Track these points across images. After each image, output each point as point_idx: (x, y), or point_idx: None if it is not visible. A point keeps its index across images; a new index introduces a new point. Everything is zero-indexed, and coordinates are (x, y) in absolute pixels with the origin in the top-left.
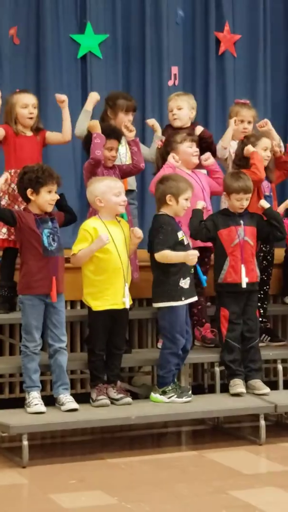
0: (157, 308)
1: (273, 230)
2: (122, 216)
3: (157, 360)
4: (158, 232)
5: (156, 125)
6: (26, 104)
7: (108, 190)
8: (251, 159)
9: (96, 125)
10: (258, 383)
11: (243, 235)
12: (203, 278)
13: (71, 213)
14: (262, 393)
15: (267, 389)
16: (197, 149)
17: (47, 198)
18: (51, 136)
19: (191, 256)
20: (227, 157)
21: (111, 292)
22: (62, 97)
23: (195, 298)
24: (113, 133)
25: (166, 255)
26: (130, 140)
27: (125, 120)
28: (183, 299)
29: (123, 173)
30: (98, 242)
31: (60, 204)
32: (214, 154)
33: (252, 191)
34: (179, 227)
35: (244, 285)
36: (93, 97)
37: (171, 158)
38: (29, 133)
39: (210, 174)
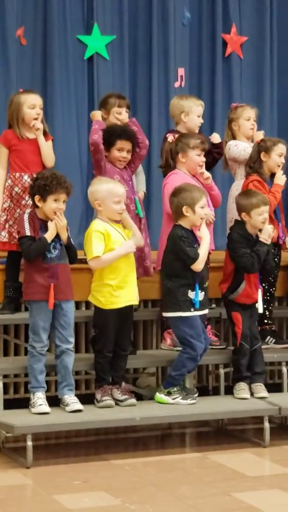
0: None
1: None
2: (138, 214)
3: (165, 361)
4: (180, 241)
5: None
6: (34, 104)
7: (108, 196)
8: (275, 183)
9: (97, 114)
10: (258, 387)
11: None
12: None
13: (74, 254)
14: (260, 397)
15: (265, 393)
16: (204, 159)
17: (52, 206)
18: (48, 147)
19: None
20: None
21: (124, 291)
22: (37, 126)
23: (205, 311)
24: (124, 133)
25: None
26: (127, 121)
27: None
28: (192, 310)
29: (135, 161)
30: (127, 247)
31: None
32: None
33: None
34: (195, 239)
35: (260, 310)
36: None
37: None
38: (32, 136)
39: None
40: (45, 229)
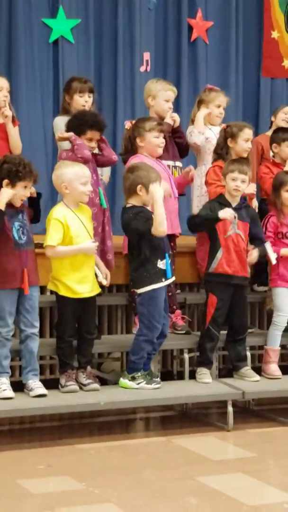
0: (137, 294)
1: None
2: (101, 204)
3: (130, 346)
4: (136, 219)
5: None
6: (1, 87)
7: (75, 178)
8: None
9: (64, 136)
10: (248, 371)
11: (236, 228)
12: (169, 270)
13: (38, 214)
14: (254, 380)
15: (257, 377)
16: (164, 141)
17: (21, 193)
18: (15, 133)
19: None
20: (200, 144)
21: (83, 282)
22: (7, 113)
23: (173, 278)
24: (95, 125)
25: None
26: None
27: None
28: (163, 280)
29: (99, 162)
30: (87, 249)
31: (34, 203)
32: (186, 151)
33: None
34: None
35: (273, 261)
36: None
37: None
38: (0, 120)
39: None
40: (11, 215)
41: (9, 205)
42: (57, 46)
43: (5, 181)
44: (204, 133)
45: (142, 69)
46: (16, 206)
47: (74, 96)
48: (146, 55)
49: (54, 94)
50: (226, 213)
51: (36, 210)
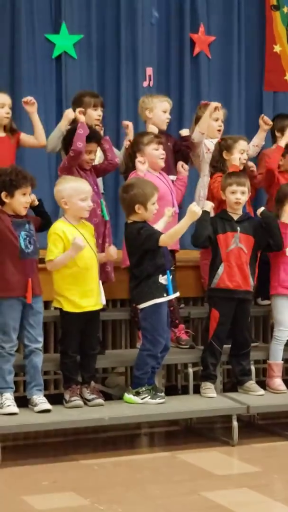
0: (139, 309)
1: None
2: (103, 216)
3: (133, 360)
4: (139, 234)
5: (130, 128)
6: (3, 104)
7: (74, 194)
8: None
9: (76, 114)
10: (253, 385)
11: (238, 241)
12: (170, 287)
13: (47, 219)
14: (259, 394)
15: (261, 391)
16: (164, 152)
17: (21, 200)
18: (26, 138)
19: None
20: (200, 155)
21: (86, 297)
22: (32, 100)
23: (177, 294)
24: (93, 137)
25: (171, 234)
26: (101, 139)
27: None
28: (165, 295)
29: (99, 171)
30: (75, 248)
31: (38, 210)
32: (186, 161)
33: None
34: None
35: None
36: (68, 116)
37: (139, 165)
38: (2, 134)
39: (176, 181)
40: (17, 225)
41: (15, 215)
42: (60, 61)
43: (3, 193)
44: (204, 133)
45: (145, 84)
46: (21, 216)
47: (88, 110)
48: (149, 70)
49: (57, 110)
50: (207, 206)
51: (43, 216)
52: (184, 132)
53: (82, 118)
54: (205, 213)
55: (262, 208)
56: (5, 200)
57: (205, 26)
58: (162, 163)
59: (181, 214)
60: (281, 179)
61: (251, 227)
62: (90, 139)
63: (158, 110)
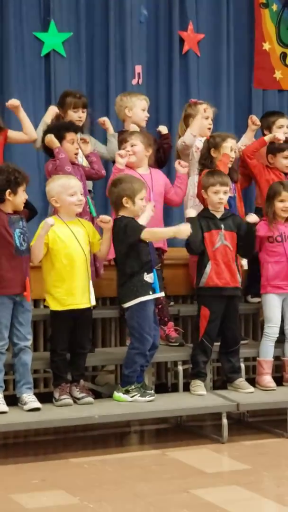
0: (125, 308)
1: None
2: (91, 213)
3: (123, 359)
4: (125, 227)
5: (108, 123)
6: None
7: (62, 190)
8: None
9: (52, 139)
10: (242, 383)
11: (223, 239)
12: (157, 285)
13: (33, 209)
14: (249, 392)
15: (251, 388)
16: (129, 149)
17: (22, 197)
18: (14, 134)
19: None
20: (189, 155)
21: (74, 296)
22: (15, 103)
23: (162, 294)
24: (71, 126)
25: (154, 231)
26: (88, 152)
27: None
28: (150, 293)
29: (85, 174)
30: (44, 226)
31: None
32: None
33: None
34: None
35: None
36: (52, 110)
37: (118, 158)
38: None
39: (175, 180)
40: (12, 222)
41: (12, 212)
42: (48, 59)
43: (8, 191)
44: (196, 135)
45: (134, 82)
46: (19, 212)
47: (68, 111)
48: (138, 68)
49: (46, 108)
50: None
51: (27, 206)
52: (162, 129)
53: (56, 143)
54: (192, 220)
55: (255, 219)
56: (8, 198)
57: (194, 24)
58: (133, 159)
59: (181, 214)
60: (273, 175)
61: (235, 224)
62: (68, 129)
63: (137, 109)
